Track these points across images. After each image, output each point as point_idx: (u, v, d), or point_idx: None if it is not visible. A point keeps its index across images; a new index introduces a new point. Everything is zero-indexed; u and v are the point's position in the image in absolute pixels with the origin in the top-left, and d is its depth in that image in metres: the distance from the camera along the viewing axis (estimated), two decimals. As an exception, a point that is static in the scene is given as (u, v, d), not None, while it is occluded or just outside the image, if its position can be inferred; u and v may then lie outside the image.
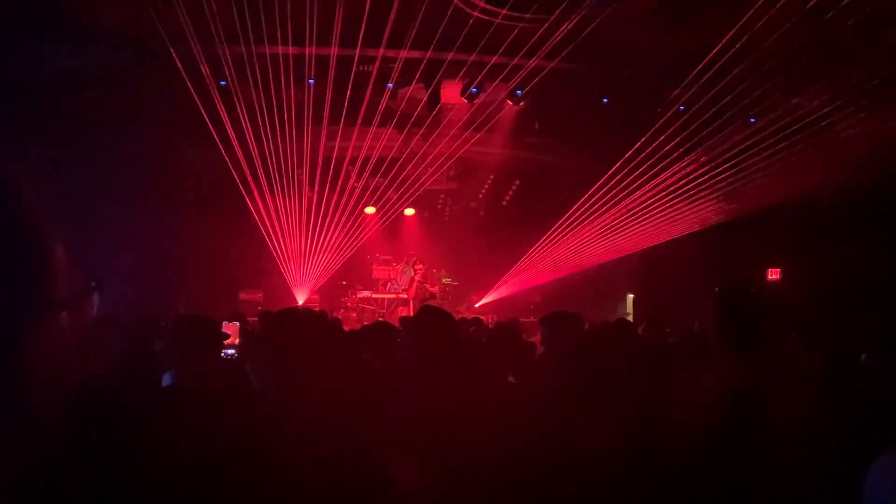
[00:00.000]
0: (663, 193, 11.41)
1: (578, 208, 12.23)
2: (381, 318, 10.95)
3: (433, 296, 12.99)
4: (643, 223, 11.98)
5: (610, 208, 11.88)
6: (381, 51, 9.87)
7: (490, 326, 9.21)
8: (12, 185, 0.72)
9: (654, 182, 11.32)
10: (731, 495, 2.02)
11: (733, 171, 10.59)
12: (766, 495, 1.97)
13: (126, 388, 2.70)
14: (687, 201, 11.41)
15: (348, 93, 10.31)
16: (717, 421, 2.10)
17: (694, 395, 2.22)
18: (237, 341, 4.47)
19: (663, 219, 11.81)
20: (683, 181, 11.11)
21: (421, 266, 13.07)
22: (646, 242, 12.34)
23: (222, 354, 2.93)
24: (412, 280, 13.05)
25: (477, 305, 13.98)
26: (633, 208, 11.74)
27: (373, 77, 10.23)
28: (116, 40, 8.56)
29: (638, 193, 11.49)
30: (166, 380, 2.99)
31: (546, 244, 13.01)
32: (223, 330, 3.28)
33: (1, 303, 0.68)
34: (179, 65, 9.06)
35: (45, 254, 0.73)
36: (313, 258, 12.97)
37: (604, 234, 12.35)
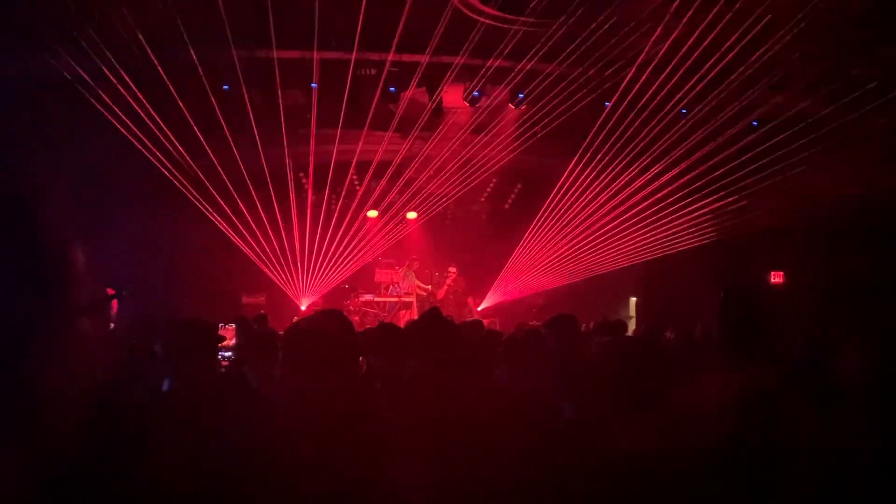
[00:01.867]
0: (664, 199, 11.42)
1: (580, 213, 12.24)
2: (381, 322, 10.94)
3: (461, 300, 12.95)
4: (647, 230, 11.99)
5: (612, 213, 11.89)
6: (384, 55, 9.90)
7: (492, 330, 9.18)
8: (34, 193, 0.73)
9: (654, 186, 11.33)
10: (738, 498, 2.01)
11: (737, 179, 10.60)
12: (772, 498, 1.97)
13: (126, 390, 2.70)
14: (690, 208, 11.43)
15: (351, 97, 10.33)
16: (724, 423, 2.10)
17: (699, 398, 2.21)
18: (233, 343, 4.46)
19: (668, 226, 11.83)
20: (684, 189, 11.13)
21: (454, 269, 13.07)
22: (650, 252, 12.34)
23: (219, 356, 2.92)
24: (444, 284, 13.03)
25: (479, 309, 13.96)
26: (636, 213, 11.76)
27: (379, 82, 10.24)
28: (120, 44, 8.58)
29: (640, 197, 11.50)
30: (166, 385, 2.98)
31: (548, 248, 13.01)
32: (220, 332, 3.27)
33: (20, 309, 0.68)
34: (183, 69, 9.08)
35: (65, 262, 0.73)
36: (317, 262, 12.98)
37: (606, 241, 12.35)
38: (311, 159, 11.64)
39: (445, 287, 13.09)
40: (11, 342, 0.67)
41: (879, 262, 9.01)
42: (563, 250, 12.79)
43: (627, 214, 11.85)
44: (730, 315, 2.36)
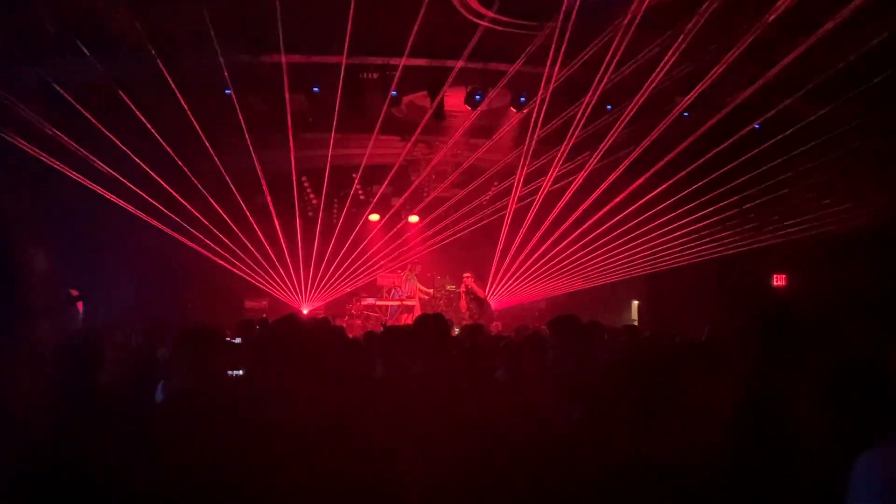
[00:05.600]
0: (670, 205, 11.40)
1: (583, 215, 12.23)
2: (383, 326, 10.92)
3: (482, 301, 12.48)
4: (650, 241, 11.96)
5: (615, 215, 11.88)
6: (385, 59, 9.92)
7: (495, 333, 9.13)
8: None
9: (658, 190, 11.32)
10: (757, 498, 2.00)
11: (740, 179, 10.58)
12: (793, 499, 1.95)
13: (124, 394, 2.67)
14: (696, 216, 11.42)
15: (352, 101, 10.33)
16: (736, 428, 2.08)
17: (711, 403, 2.20)
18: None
19: (671, 238, 11.80)
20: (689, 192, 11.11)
21: (469, 275, 12.47)
22: (653, 264, 12.31)
23: (230, 374, 2.87)
24: (451, 294, 12.54)
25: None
26: (640, 221, 11.73)
27: (381, 86, 10.25)
28: (122, 48, 8.59)
29: (643, 200, 11.48)
30: (160, 392, 2.92)
31: (551, 250, 12.99)
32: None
33: None
34: (185, 73, 9.09)
35: (20, 265, 0.71)
36: (319, 266, 12.98)
37: (610, 251, 12.31)
38: (316, 163, 11.63)
39: (463, 296, 12.51)
40: None
41: (884, 263, 8.98)
42: (568, 257, 12.71)
43: (631, 224, 11.80)
44: (757, 327, 2.37)
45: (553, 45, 8.68)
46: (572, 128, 10.35)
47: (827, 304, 9.41)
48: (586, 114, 10.04)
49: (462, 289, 12.63)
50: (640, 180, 10.98)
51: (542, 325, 9.45)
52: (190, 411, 1.98)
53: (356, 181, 12.90)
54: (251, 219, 11.77)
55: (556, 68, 9.16)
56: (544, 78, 9.42)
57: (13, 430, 0.68)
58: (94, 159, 9.40)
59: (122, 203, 10.14)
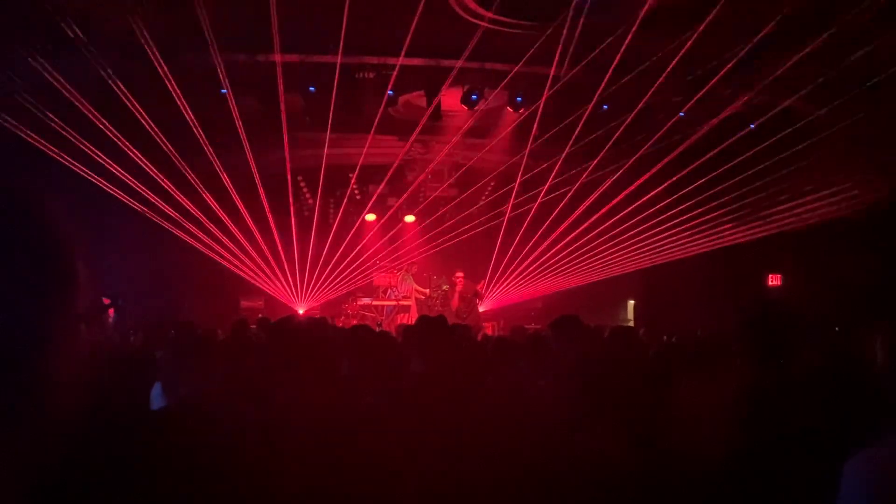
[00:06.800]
0: (665, 204, 11.45)
1: (580, 215, 12.25)
2: (379, 326, 10.90)
3: (476, 294, 12.14)
4: (647, 237, 12.00)
5: (612, 216, 11.91)
6: (382, 58, 9.91)
7: (492, 333, 9.14)
8: (40, 198, 0.72)
9: (655, 191, 11.35)
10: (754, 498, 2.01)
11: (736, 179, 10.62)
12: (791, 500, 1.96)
13: (121, 398, 2.66)
14: (691, 213, 11.47)
15: (349, 100, 10.31)
16: (730, 426, 2.09)
17: (705, 401, 2.21)
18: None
19: (667, 234, 11.85)
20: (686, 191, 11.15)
21: (461, 274, 12.04)
22: (650, 260, 12.35)
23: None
24: (447, 293, 12.35)
25: (480, 311, 13.91)
26: (637, 219, 11.77)
27: (377, 86, 10.23)
28: (121, 49, 8.57)
29: (641, 200, 11.52)
30: (157, 393, 2.88)
31: (548, 251, 13.01)
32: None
33: (25, 315, 0.67)
34: (184, 73, 9.07)
35: (69, 268, 0.72)
36: (315, 265, 12.96)
37: (607, 247, 12.35)
38: (312, 163, 11.60)
39: (456, 295, 12.42)
40: (17, 346, 0.66)
41: (880, 263, 9.01)
42: (565, 254, 12.73)
43: (627, 220, 11.85)
44: (752, 328, 2.37)
45: (560, 47, 8.69)
46: (576, 130, 10.38)
47: (819, 300, 9.46)
48: (584, 117, 10.07)
49: (458, 288, 12.52)
50: (640, 180, 11.03)
51: (540, 327, 9.46)
52: (196, 417, 1.97)
53: (353, 181, 12.88)
54: (248, 218, 11.75)
55: (563, 69, 9.18)
56: (549, 80, 9.44)
57: (40, 434, 0.68)
58: (89, 152, 9.37)
59: (117, 200, 10.11)
